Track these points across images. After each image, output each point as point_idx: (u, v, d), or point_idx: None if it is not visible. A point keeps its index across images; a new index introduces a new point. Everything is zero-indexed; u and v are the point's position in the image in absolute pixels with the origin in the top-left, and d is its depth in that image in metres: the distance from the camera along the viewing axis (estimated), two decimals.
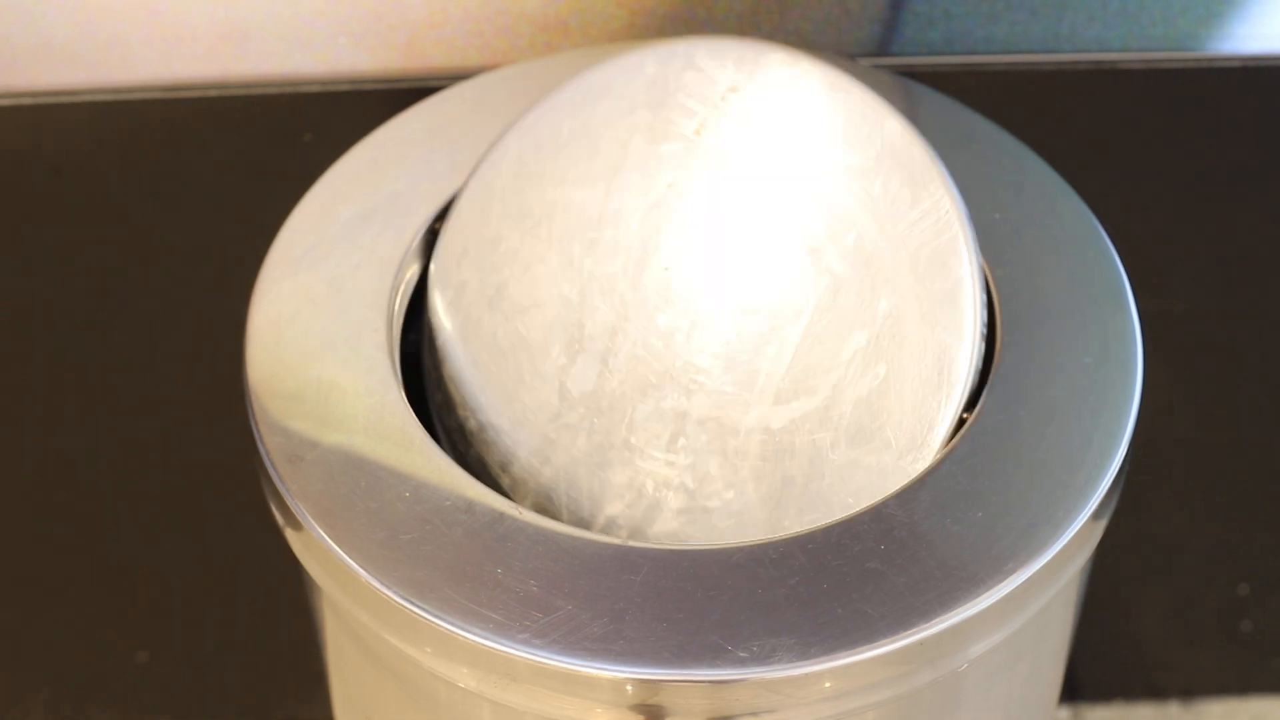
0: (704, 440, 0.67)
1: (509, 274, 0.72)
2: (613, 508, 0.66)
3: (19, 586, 1.03)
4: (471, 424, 0.71)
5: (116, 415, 0.96)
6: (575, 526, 0.65)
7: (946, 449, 0.66)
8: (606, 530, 0.66)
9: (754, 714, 0.62)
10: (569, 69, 0.80)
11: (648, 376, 0.69)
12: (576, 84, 0.74)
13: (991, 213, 0.74)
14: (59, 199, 0.89)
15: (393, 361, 0.70)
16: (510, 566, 0.63)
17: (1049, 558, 0.64)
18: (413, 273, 0.73)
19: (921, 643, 0.62)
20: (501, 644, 0.61)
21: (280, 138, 0.87)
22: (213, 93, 0.87)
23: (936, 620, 0.62)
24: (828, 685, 0.61)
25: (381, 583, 0.63)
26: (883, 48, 0.87)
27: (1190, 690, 1.13)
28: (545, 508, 0.67)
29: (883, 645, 0.61)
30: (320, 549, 0.65)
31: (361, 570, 0.64)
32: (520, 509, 0.65)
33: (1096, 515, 0.66)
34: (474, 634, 0.62)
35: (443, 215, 0.74)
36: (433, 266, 0.73)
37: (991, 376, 0.68)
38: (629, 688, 0.61)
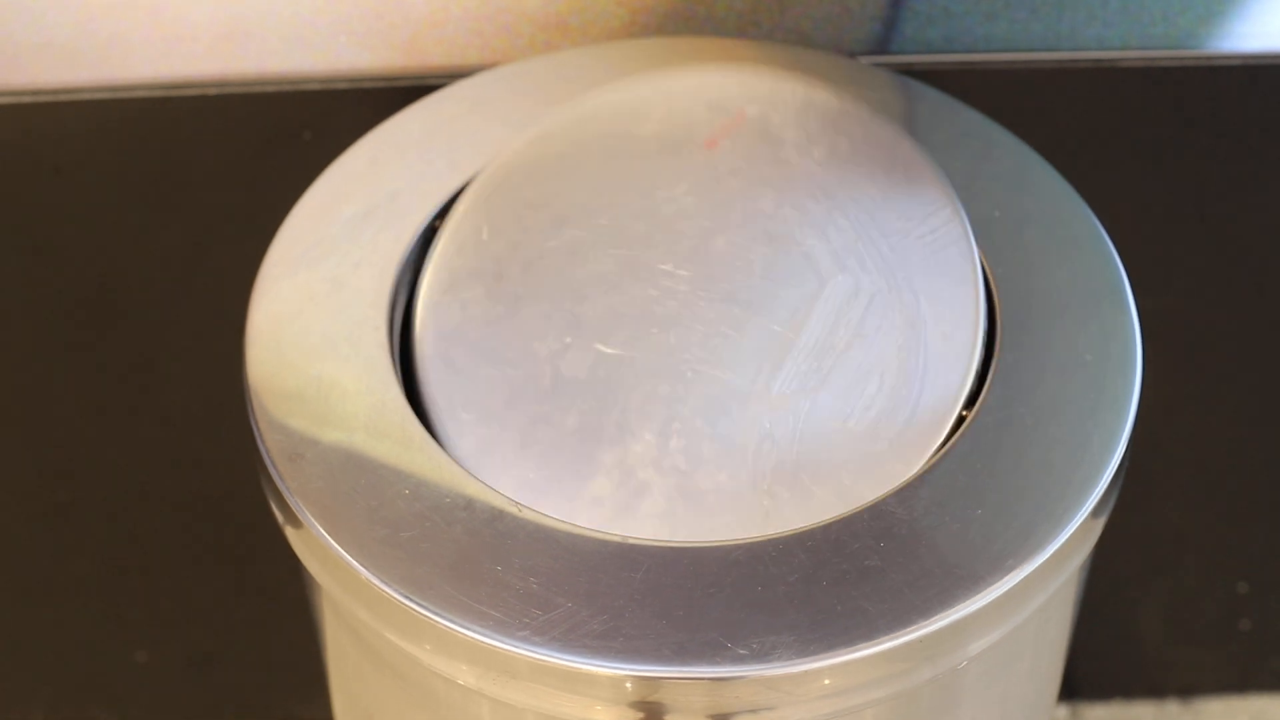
0: (699, 426, 0.67)
1: (508, 265, 0.72)
2: (599, 484, 0.66)
3: (19, 586, 1.03)
4: (459, 399, 0.71)
5: (116, 414, 0.96)
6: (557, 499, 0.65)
7: (946, 447, 0.66)
8: (592, 507, 0.65)
9: (753, 711, 0.62)
10: (569, 68, 0.80)
11: (644, 365, 0.69)
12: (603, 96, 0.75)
13: (991, 211, 0.74)
14: (59, 197, 0.89)
15: (393, 360, 0.70)
16: (510, 564, 0.63)
17: (1048, 555, 0.64)
18: (413, 271, 0.73)
19: (921, 640, 0.62)
20: (501, 641, 0.61)
21: (280, 136, 0.87)
22: (213, 91, 0.87)
23: (936, 618, 0.62)
24: (827, 682, 0.61)
25: (381, 580, 0.63)
26: (882, 46, 0.87)
27: (1189, 688, 1.13)
28: (528, 483, 0.67)
29: (882, 643, 0.61)
30: (320, 547, 0.65)
31: (361, 568, 0.64)
32: (520, 506, 0.65)
33: (1096, 513, 0.66)
34: (474, 631, 0.62)
35: (443, 213, 0.74)
36: (432, 254, 0.73)
37: (991, 374, 0.69)
38: (629, 685, 0.61)
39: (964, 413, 0.68)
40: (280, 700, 1.08)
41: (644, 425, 0.67)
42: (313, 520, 0.65)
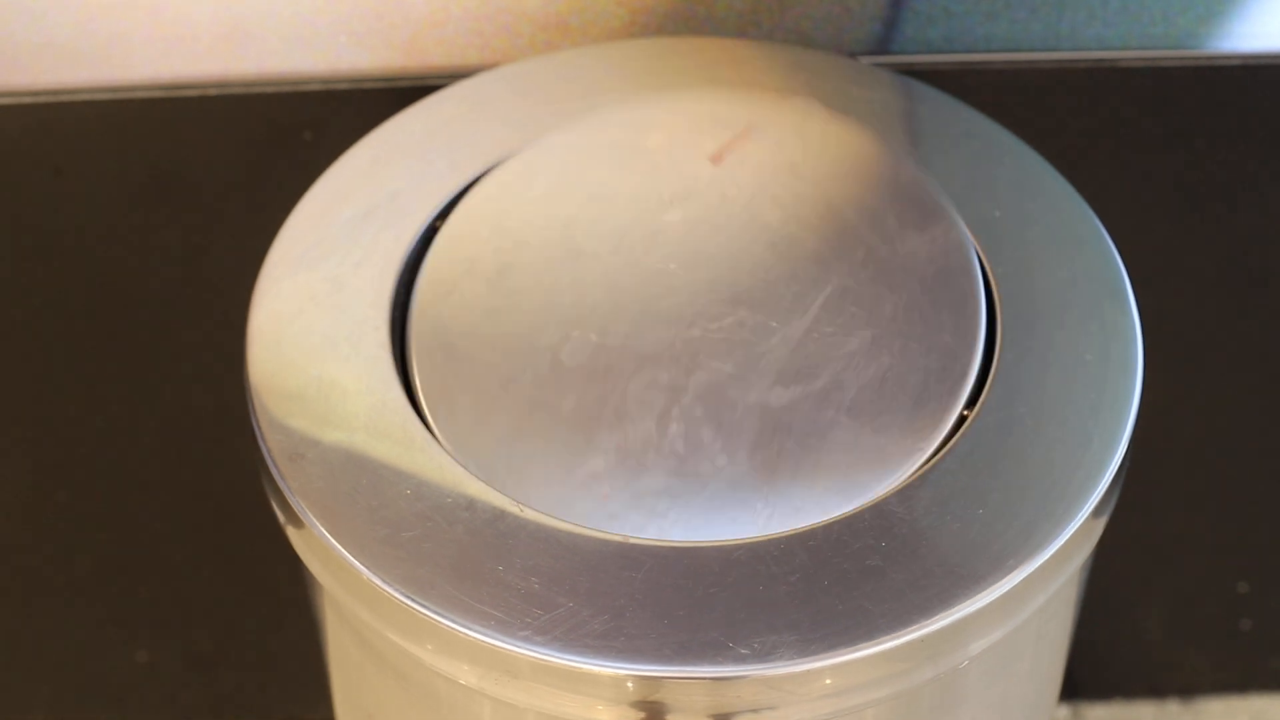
0: (699, 413, 0.67)
1: (511, 258, 0.72)
2: (595, 464, 0.66)
3: (19, 586, 1.03)
4: (456, 385, 0.70)
5: (117, 414, 0.96)
6: (548, 483, 0.65)
7: (947, 446, 0.67)
8: (586, 489, 0.65)
9: (755, 711, 0.62)
10: (569, 68, 0.80)
11: (645, 354, 0.69)
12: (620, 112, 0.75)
13: (992, 211, 0.74)
14: (60, 197, 0.89)
15: (393, 360, 0.70)
16: (511, 564, 0.63)
17: (1049, 555, 0.64)
18: (415, 271, 0.73)
19: (922, 640, 0.62)
20: (503, 641, 0.61)
21: (281, 136, 0.87)
22: (213, 91, 0.87)
23: (937, 617, 0.62)
24: (828, 682, 0.61)
25: (383, 580, 0.63)
26: (883, 46, 0.87)
27: (1190, 688, 1.13)
28: (522, 466, 0.66)
29: (883, 642, 0.61)
30: (321, 547, 0.65)
31: (363, 568, 0.64)
32: (522, 506, 0.65)
33: (1097, 513, 0.66)
34: (475, 631, 0.62)
35: (444, 214, 0.74)
36: (433, 248, 0.73)
37: (992, 374, 0.69)
38: (630, 685, 0.61)
39: (965, 412, 0.68)
40: (281, 701, 1.08)
41: (643, 414, 0.67)
42: (314, 520, 0.65)
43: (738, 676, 0.61)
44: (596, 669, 0.61)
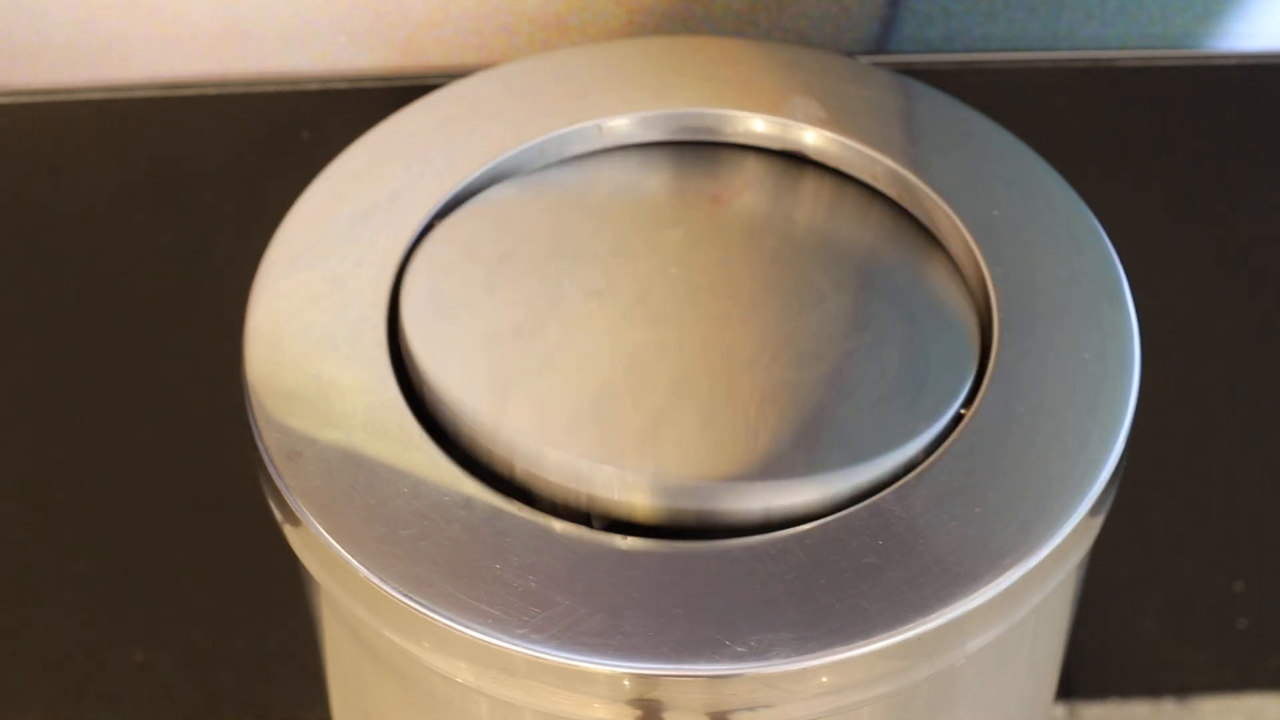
0: (701, 390, 0.67)
1: (510, 250, 0.72)
2: (588, 433, 0.66)
3: (17, 585, 1.03)
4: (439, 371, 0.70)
5: (115, 414, 0.96)
6: (536, 451, 0.66)
7: (945, 445, 0.67)
8: (574, 448, 0.65)
9: (751, 709, 0.62)
10: (568, 67, 0.80)
11: (643, 342, 0.69)
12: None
13: (990, 210, 0.74)
14: (57, 196, 0.89)
15: (391, 359, 0.70)
16: (508, 562, 0.63)
17: (1046, 554, 0.64)
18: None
19: (919, 638, 0.62)
20: (500, 639, 0.62)
21: (279, 136, 0.88)
22: (212, 91, 0.87)
23: (933, 616, 0.62)
24: (825, 680, 0.61)
25: (380, 578, 0.63)
26: (881, 45, 0.87)
27: (1186, 687, 1.13)
28: (512, 441, 0.66)
29: (880, 640, 0.61)
30: (319, 545, 0.65)
31: (360, 566, 0.64)
32: (519, 505, 0.65)
33: (1093, 511, 0.66)
34: (472, 629, 0.62)
35: (442, 213, 0.74)
36: (432, 236, 0.73)
37: (989, 373, 0.69)
38: (626, 682, 0.61)
39: (962, 411, 0.68)
40: (278, 699, 1.08)
41: (638, 375, 0.67)
42: (311, 519, 0.65)
43: (734, 674, 0.61)
44: (593, 667, 0.61)
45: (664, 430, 0.67)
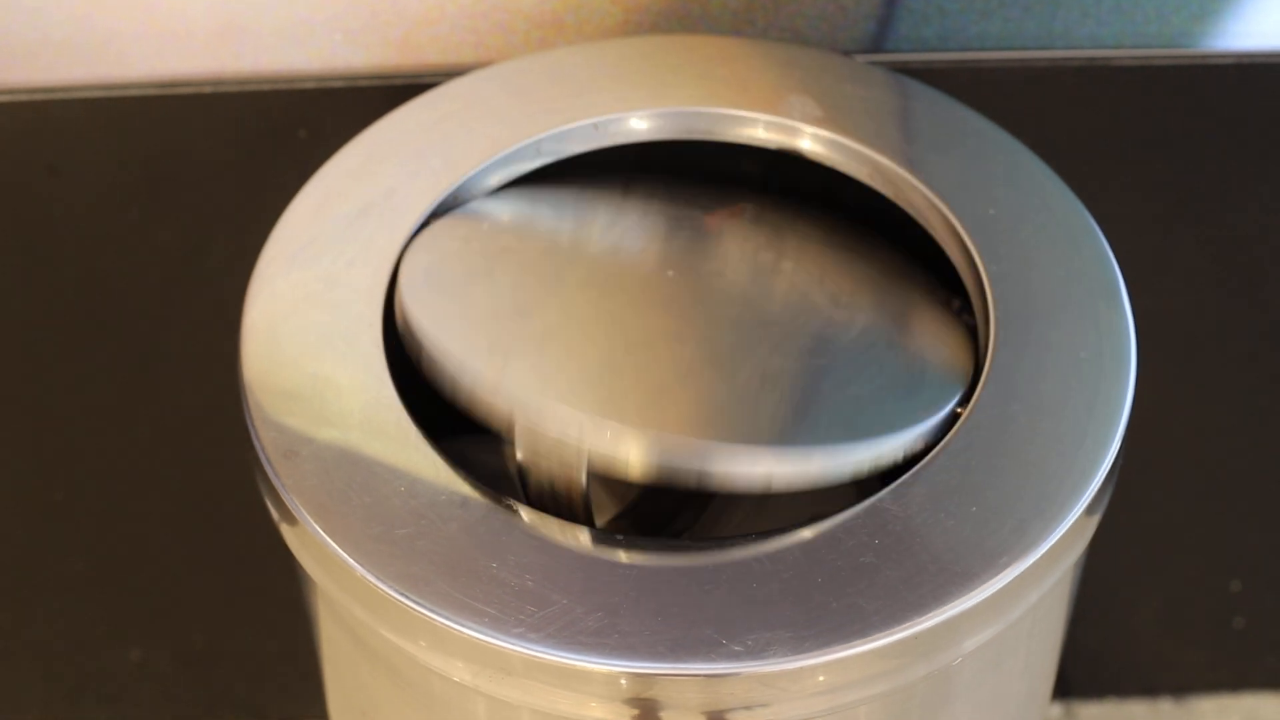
0: (703, 372, 0.67)
1: (509, 244, 0.72)
2: (590, 394, 0.66)
3: (14, 585, 1.03)
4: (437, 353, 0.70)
5: (112, 413, 0.96)
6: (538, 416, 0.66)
7: (941, 444, 0.67)
8: (575, 403, 0.65)
9: (748, 708, 0.62)
10: (564, 66, 0.80)
11: (644, 327, 0.69)
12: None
13: (986, 209, 0.74)
14: (55, 195, 0.89)
15: (388, 358, 0.70)
16: (505, 561, 0.63)
17: (1042, 553, 0.64)
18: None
19: (915, 637, 0.62)
20: (496, 638, 0.62)
21: (275, 134, 0.87)
22: (208, 89, 0.87)
23: (930, 615, 0.62)
24: (822, 679, 0.61)
25: (376, 577, 0.63)
26: (877, 44, 0.87)
27: (1183, 687, 1.13)
28: (512, 393, 0.66)
29: (877, 639, 0.61)
30: (315, 544, 0.65)
31: (356, 565, 0.64)
32: (516, 504, 0.65)
33: (1090, 511, 0.66)
34: (469, 628, 0.62)
35: (438, 212, 0.74)
36: (431, 229, 0.73)
37: (986, 372, 0.69)
38: (623, 682, 0.61)
39: (959, 410, 0.68)
40: (275, 698, 1.08)
41: (640, 353, 0.67)
42: (308, 517, 0.65)
43: (731, 674, 0.61)
44: (590, 666, 0.61)
45: (665, 399, 0.67)
